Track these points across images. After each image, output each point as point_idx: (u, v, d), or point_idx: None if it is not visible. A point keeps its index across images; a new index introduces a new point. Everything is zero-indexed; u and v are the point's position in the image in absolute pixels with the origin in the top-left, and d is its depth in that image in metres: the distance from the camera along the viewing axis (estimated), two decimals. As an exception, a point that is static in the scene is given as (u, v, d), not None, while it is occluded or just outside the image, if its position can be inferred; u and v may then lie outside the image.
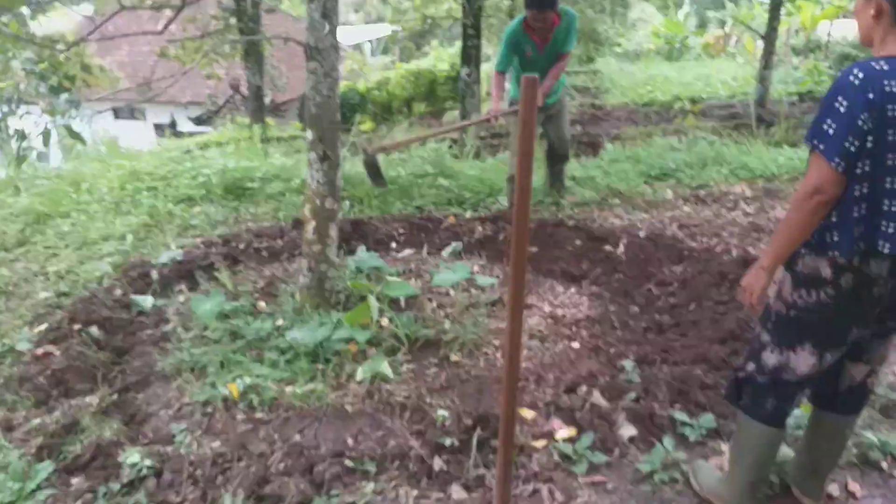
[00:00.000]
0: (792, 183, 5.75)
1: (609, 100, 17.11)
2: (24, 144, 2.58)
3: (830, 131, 1.76)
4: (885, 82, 1.73)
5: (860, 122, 1.73)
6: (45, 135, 2.58)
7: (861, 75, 1.75)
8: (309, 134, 3.60)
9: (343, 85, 14.52)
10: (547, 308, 3.96)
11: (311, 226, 3.69)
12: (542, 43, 4.89)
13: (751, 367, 2.17)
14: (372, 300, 3.50)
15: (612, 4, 20.86)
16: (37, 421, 2.92)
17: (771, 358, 2.10)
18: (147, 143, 11.56)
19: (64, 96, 2.81)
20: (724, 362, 3.20)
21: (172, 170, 5.76)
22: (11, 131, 2.76)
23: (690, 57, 27.67)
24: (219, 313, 3.62)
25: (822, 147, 1.77)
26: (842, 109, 1.75)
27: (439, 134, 5.35)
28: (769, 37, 12.37)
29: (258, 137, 7.22)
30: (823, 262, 1.90)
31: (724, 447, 2.71)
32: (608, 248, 4.66)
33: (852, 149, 1.74)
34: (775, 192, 5.58)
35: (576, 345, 3.57)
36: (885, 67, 1.75)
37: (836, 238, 1.85)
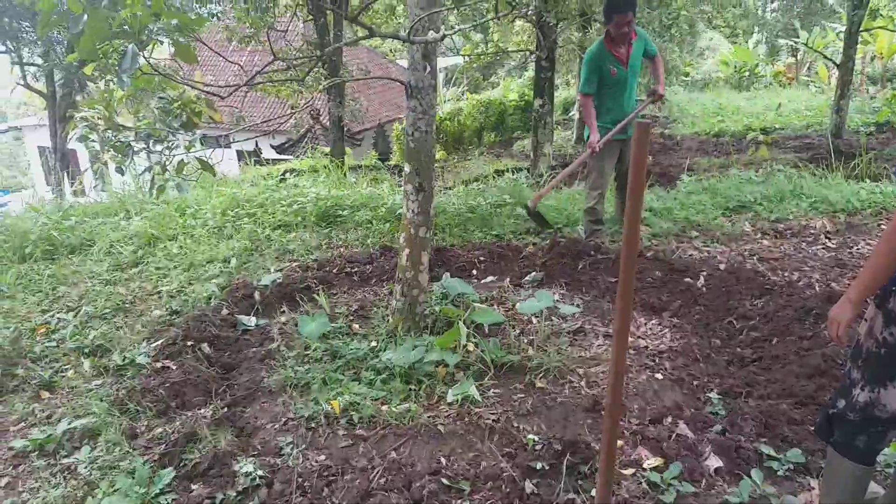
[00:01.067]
0: (876, 218, 5.68)
1: (678, 130, 17.00)
2: (164, 175, 2.90)
3: None
4: None
5: None
6: (180, 166, 2.89)
7: None
8: (406, 167, 3.85)
9: (416, 114, 14.94)
10: (629, 339, 4.06)
11: (405, 253, 3.92)
12: (624, 59, 5.15)
13: (841, 403, 2.23)
14: (461, 326, 3.69)
15: (680, 33, 20.80)
16: (158, 430, 3.22)
17: (862, 395, 2.15)
18: (232, 170, 12.22)
19: (200, 133, 3.13)
20: (812, 398, 3.24)
21: (269, 197, 6.15)
22: (145, 164, 3.10)
23: (760, 86, 27.19)
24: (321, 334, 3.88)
25: None
26: None
27: (569, 173, 5.69)
28: (845, 65, 12.14)
29: (345, 168, 7.56)
30: None
31: (813, 483, 2.76)
32: (688, 280, 4.73)
33: None
34: (858, 226, 5.52)
35: (659, 376, 3.66)
36: None
37: None
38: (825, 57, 14.66)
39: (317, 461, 3.02)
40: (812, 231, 5.46)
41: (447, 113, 15.57)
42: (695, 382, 3.65)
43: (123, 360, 3.90)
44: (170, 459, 3.02)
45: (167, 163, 3.11)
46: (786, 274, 4.66)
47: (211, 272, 4.93)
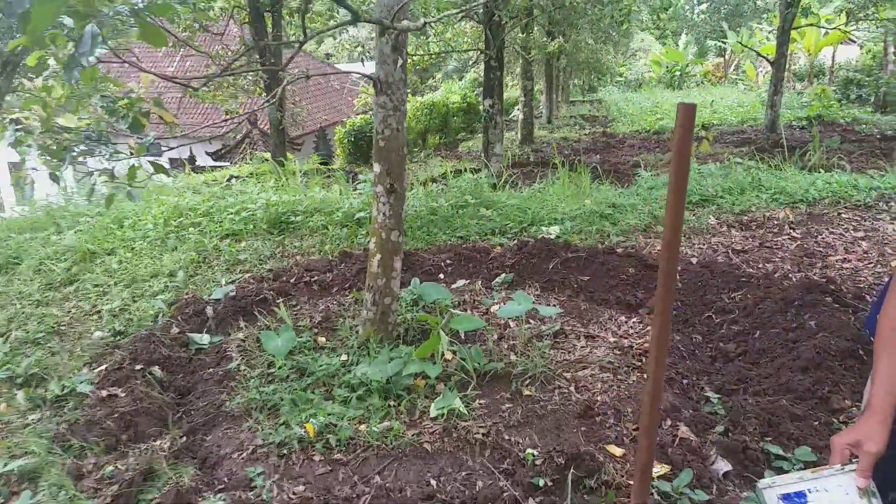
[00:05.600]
0: (834, 207, 5.71)
1: (619, 128, 17.23)
2: (113, 182, 2.55)
3: None
4: None
5: None
6: (131, 172, 2.54)
7: None
8: (376, 167, 3.57)
9: (359, 119, 14.61)
10: (611, 338, 3.89)
11: (376, 259, 3.64)
12: None
13: None
14: (442, 334, 3.44)
15: (618, 34, 21.11)
16: (109, 468, 2.85)
17: None
18: (162, 180, 11.60)
19: (152, 134, 2.78)
20: (811, 392, 3.12)
21: (215, 205, 5.75)
22: (83, 171, 2.73)
23: (692, 84, 28.00)
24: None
25: None
26: None
27: None
28: (778, 62, 12.47)
29: (291, 170, 7.20)
30: None
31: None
32: (662, 276, 4.60)
33: None
34: (819, 216, 5.54)
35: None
36: None
37: None
38: (759, 55, 15.03)
39: (294, 493, 2.71)
40: (776, 222, 5.44)
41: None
42: (685, 381, 3.51)
43: (63, 389, 3.49)
44: (125, 501, 2.67)
45: (114, 168, 2.75)
46: (760, 266, 4.59)
47: (156, 287, 4.53)
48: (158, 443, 3.05)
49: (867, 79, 16.74)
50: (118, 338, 3.96)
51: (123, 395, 3.38)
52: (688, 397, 3.38)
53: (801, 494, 1.31)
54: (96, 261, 5.00)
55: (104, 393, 3.39)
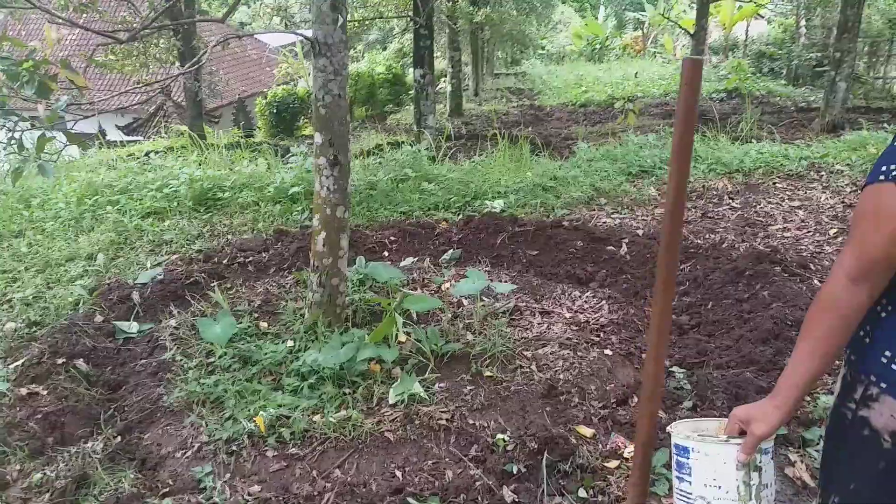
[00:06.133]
0: (768, 177, 5.82)
1: (545, 101, 17.25)
2: (22, 156, 2.19)
3: None
4: None
5: None
6: (40, 143, 2.19)
7: None
8: (317, 137, 3.32)
9: (281, 89, 14.02)
10: (567, 314, 3.80)
11: (321, 237, 3.40)
12: None
13: None
14: (396, 316, 3.25)
15: (540, 4, 21.09)
16: (37, 475, 2.54)
17: None
18: (71, 154, 10.78)
19: (65, 98, 2.42)
20: (772, 363, 3.12)
21: (133, 181, 5.30)
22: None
23: (612, 57, 28.41)
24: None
25: None
26: None
27: None
28: (698, 35, 12.71)
29: (211, 145, 6.75)
30: None
31: (794, 457, 2.62)
32: (611, 248, 4.56)
33: None
34: (755, 186, 5.63)
35: (608, 352, 3.43)
36: None
37: None
38: (679, 27, 15.28)
39: (249, 493, 2.49)
40: (715, 192, 5.50)
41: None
42: (643, 355, 3.45)
43: (-28, 389, 3.10)
44: (58, 513, 2.38)
45: (22, 136, 2.39)
46: (708, 236, 4.61)
47: (74, 272, 4.12)
48: (90, 445, 2.75)
49: (779, 52, 17.36)
50: (34, 329, 3.58)
51: (46, 392, 3.04)
52: (648, 372, 3.33)
53: (686, 450, 1.33)
54: (2, 244, 4.51)
55: (23, 391, 3.04)
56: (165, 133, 12.29)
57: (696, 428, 1.41)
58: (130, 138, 13.19)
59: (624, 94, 15.80)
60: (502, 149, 6.32)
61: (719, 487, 1.25)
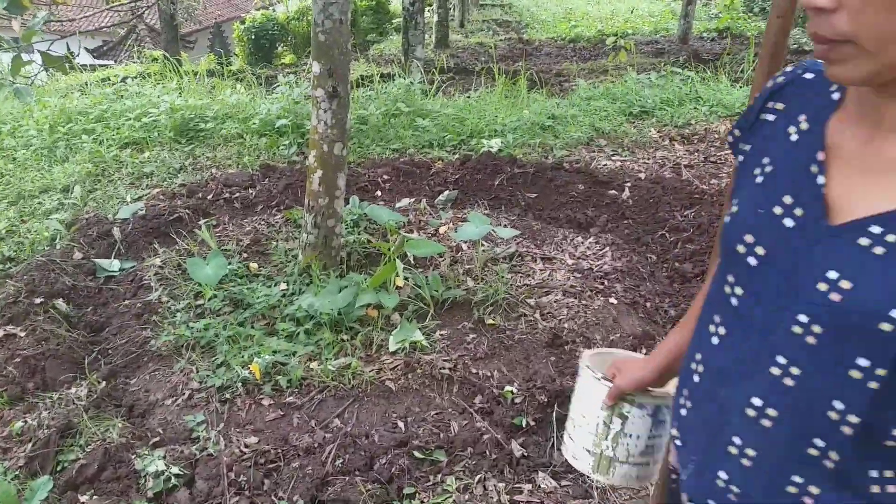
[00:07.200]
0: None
1: (534, 35, 16.75)
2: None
3: None
4: None
5: None
6: (16, 64, 1.95)
7: None
8: (315, 67, 3.08)
9: (260, 14, 13.39)
10: (570, 260, 3.68)
11: (316, 175, 3.20)
12: None
13: None
14: (397, 261, 3.10)
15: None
16: (18, 424, 2.40)
17: None
18: (40, 78, 10.23)
19: (42, 14, 2.16)
20: (784, 316, 3.03)
21: (110, 109, 4.99)
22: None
23: (602, -9, 27.63)
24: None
25: None
26: None
27: None
28: (695, -29, 12.32)
29: (189, 72, 6.38)
30: None
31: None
32: (613, 192, 4.41)
33: None
34: (756, 131, 5.47)
35: (613, 300, 3.32)
36: None
37: None
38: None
39: (247, 445, 2.38)
40: (717, 135, 5.34)
41: (295, 12, 14.13)
42: (647, 304, 3.36)
43: (-56, 329, 2.92)
44: (42, 464, 2.26)
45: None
46: (711, 182, 4.47)
47: (49, 205, 3.89)
48: (74, 390, 2.61)
49: (773, -8, 16.94)
50: (9, 265, 3.37)
51: (24, 334, 2.87)
52: (653, 321, 3.24)
53: (578, 376, 1.35)
54: (-30, 173, 4.25)
55: (0, 333, 2.86)
56: (138, 58, 11.73)
57: (605, 359, 1.39)
58: (101, 62, 12.59)
59: (614, 30, 15.38)
60: (499, 85, 6.06)
61: (583, 416, 1.30)
